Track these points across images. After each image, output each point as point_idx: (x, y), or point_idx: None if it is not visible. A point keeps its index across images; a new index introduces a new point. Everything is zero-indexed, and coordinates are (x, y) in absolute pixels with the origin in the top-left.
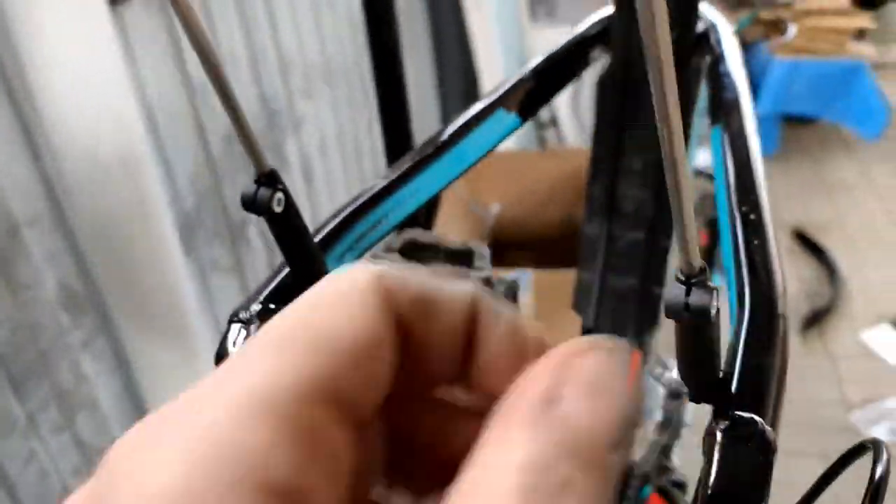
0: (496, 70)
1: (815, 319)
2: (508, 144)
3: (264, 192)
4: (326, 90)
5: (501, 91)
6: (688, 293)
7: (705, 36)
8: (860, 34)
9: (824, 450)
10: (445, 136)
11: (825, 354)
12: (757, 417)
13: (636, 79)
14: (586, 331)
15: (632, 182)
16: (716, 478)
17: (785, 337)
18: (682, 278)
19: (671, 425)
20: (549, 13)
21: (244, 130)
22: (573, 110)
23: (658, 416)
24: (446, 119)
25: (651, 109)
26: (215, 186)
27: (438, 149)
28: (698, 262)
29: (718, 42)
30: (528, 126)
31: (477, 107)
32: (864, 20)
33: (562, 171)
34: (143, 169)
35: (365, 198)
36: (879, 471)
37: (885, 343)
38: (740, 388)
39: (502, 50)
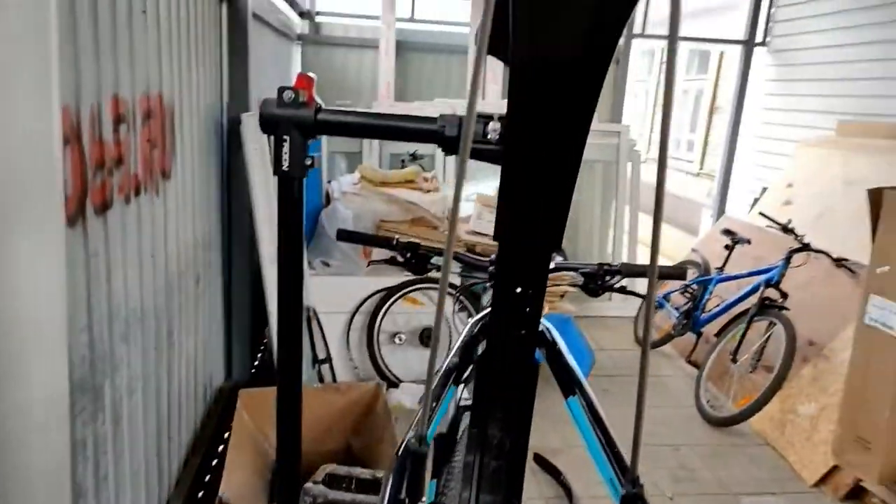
0: None
1: None
2: None
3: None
4: (139, 335)
5: (447, 369)
6: (634, 486)
7: (543, 333)
8: (563, 295)
9: None
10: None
11: None
12: None
13: (501, 358)
14: None
15: (497, 426)
16: None
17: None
18: (632, 481)
19: None
20: (325, 265)
21: None
22: (343, 349)
23: None
24: (229, 356)
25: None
26: None
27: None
28: (636, 472)
29: (553, 338)
30: (306, 360)
31: (437, 382)
32: (566, 287)
33: (340, 403)
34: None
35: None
36: None
37: None
38: None
39: None
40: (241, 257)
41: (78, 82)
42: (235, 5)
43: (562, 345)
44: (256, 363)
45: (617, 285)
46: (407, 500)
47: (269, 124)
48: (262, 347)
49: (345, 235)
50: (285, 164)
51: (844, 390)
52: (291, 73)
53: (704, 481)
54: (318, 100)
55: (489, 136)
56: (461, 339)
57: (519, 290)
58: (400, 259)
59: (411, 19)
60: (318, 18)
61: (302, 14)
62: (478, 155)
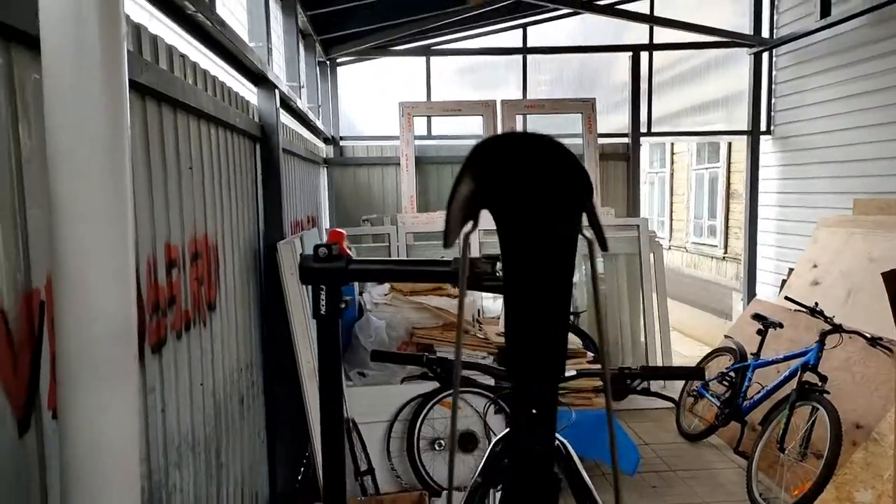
0: None
1: None
2: None
3: None
4: (191, 461)
5: (471, 489)
6: None
7: (559, 448)
8: (597, 390)
9: None
10: None
11: None
12: None
13: (524, 472)
14: None
15: None
16: None
17: None
18: None
19: None
20: (361, 376)
21: None
22: (384, 459)
23: None
24: (273, 471)
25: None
26: None
27: None
28: None
29: (569, 452)
30: (348, 472)
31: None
32: (597, 382)
33: None
34: None
35: None
36: None
37: None
38: None
39: None
40: (281, 373)
41: (137, 237)
42: (268, 144)
43: (576, 460)
44: (300, 477)
45: (640, 387)
46: None
47: (307, 277)
48: (304, 461)
49: (378, 356)
50: (323, 309)
51: (894, 476)
52: (319, 194)
53: None
54: (350, 251)
55: (498, 274)
56: (485, 457)
57: (534, 411)
58: (430, 374)
59: (428, 136)
60: (341, 143)
61: (326, 140)
62: (490, 289)
